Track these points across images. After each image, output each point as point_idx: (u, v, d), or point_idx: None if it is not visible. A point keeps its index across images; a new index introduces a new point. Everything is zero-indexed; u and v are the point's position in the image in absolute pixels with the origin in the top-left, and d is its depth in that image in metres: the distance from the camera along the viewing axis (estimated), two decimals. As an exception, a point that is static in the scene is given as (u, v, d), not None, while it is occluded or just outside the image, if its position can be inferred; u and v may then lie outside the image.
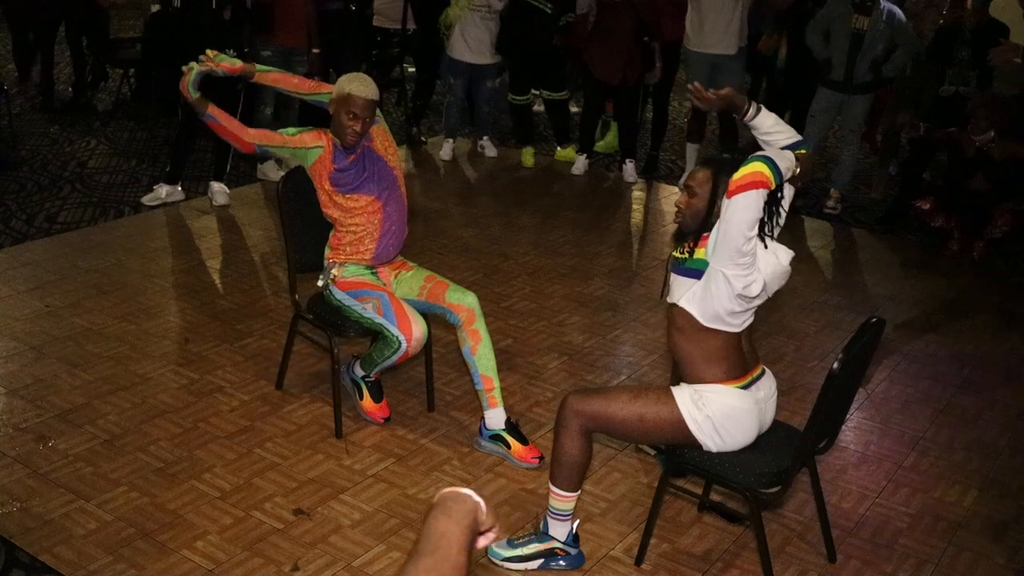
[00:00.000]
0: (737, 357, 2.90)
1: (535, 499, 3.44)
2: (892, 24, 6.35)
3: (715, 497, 3.43)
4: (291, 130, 3.66)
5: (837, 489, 3.65)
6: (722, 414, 2.86)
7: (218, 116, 3.62)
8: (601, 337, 4.75)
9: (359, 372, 3.87)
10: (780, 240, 2.92)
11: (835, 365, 2.73)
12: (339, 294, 3.68)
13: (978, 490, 3.71)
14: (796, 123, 7.02)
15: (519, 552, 3.10)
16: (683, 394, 2.91)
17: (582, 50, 7.15)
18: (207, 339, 4.46)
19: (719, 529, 3.36)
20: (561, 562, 3.09)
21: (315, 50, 6.41)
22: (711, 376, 2.89)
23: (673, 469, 3.13)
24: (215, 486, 3.42)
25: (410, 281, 3.77)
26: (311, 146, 3.61)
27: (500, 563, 3.10)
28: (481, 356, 3.66)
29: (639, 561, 3.15)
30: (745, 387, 2.89)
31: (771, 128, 2.98)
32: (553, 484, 3.04)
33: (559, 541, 3.09)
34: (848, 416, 3.76)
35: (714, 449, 2.90)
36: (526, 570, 3.09)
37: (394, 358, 3.60)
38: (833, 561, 3.24)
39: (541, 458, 3.62)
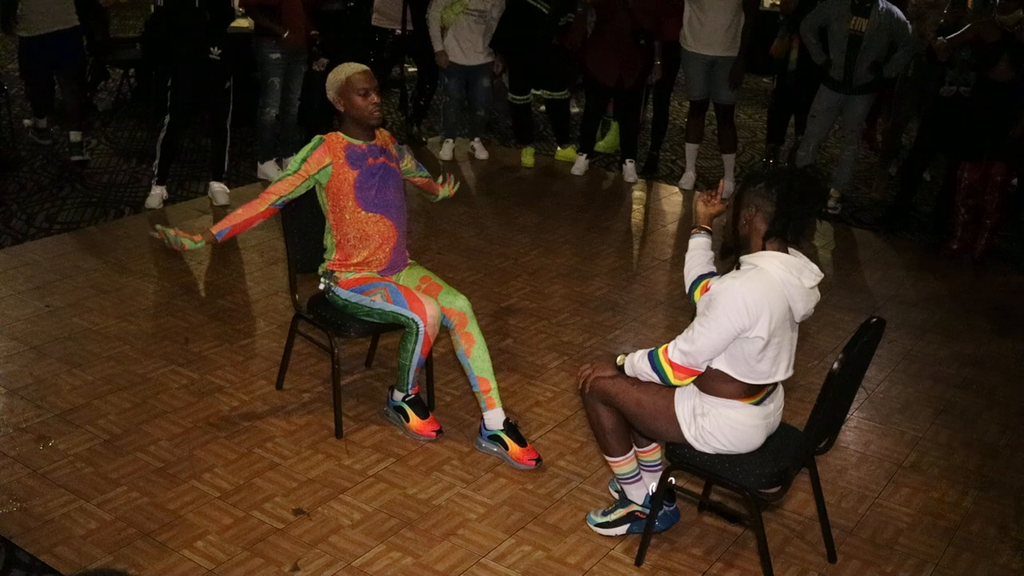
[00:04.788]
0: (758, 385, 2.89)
1: (535, 499, 3.44)
2: (891, 24, 6.34)
3: (715, 497, 3.43)
4: (295, 162, 3.56)
5: (837, 489, 3.65)
6: (719, 427, 2.86)
7: (230, 227, 3.52)
8: (601, 337, 4.75)
9: (398, 396, 3.82)
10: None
11: (835, 365, 2.73)
12: (344, 293, 3.67)
13: (978, 490, 3.71)
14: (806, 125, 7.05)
15: (608, 519, 3.28)
16: (686, 394, 2.91)
17: (581, 51, 7.15)
18: (207, 339, 4.46)
19: (719, 529, 3.36)
20: (657, 524, 3.19)
21: (313, 32, 6.40)
22: (725, 392, 2.87)
23: (673, 468, 3.13)
24: (215, 486, 3.42)
25: (405, 281, 3.78)
26: (321, 168, 3.56)
27: (594, 528, 3.27)
28: (476, 358, 3.66)
29: (639, 561, 3.15)
30: (758, 403, 2.88)
31: (707, 257, 3.18)
32: (605, 454, 3.21)
33: (637, 504, 3.24)
34: (848, 416, 3.76)
35: (706, 451, 2.92)
36: (616, 535, 3.25)
37: (418, 347, 3.58)
38: (833, 561, 3.24)
39: (538, 460, 3.62)
